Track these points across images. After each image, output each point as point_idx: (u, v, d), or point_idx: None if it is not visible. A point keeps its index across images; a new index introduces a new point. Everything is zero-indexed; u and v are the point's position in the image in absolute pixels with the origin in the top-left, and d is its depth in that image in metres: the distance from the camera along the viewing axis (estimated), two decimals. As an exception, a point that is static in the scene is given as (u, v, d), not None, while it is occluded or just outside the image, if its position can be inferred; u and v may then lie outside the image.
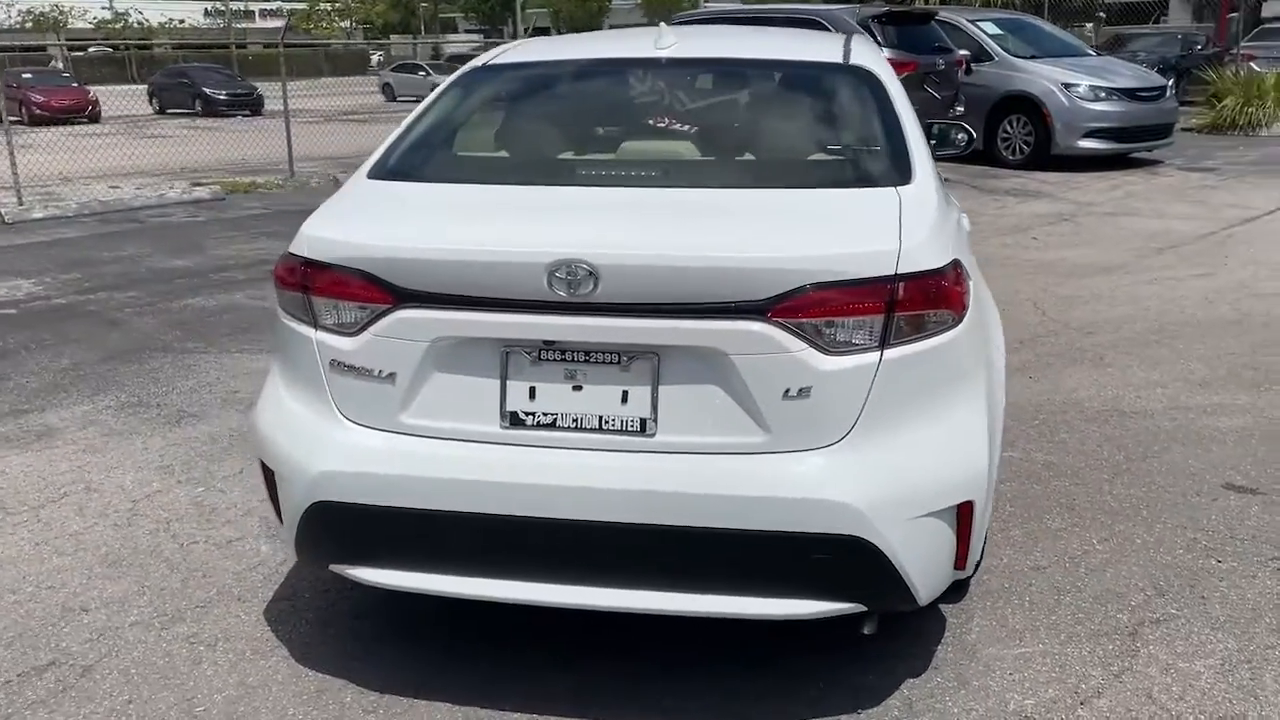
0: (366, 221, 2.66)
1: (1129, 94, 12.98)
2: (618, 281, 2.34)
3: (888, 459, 2.40)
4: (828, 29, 10.49)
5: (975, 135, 4.03)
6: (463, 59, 39.77)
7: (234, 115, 28.38)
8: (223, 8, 64.49)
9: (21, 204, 10.75)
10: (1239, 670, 2.87)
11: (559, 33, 62.92)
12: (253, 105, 29.89)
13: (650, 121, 3.14)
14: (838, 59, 3.28)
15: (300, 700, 2.79)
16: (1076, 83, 12.81)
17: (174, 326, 6.46)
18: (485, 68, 3.41)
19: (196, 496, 4.03)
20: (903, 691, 2.79)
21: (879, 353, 2.38)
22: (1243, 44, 19.27)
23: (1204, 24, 27.04)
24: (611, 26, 65.07)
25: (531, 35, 64.22)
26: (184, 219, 10.73)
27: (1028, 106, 12.78)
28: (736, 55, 3.46)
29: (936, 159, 3.11)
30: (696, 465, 2.41)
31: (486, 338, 2.46)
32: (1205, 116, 16.84)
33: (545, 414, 2.47)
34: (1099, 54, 15.62)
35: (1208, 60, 19.19)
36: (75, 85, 28.89)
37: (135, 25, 59.56)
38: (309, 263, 2.59)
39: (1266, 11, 26.41)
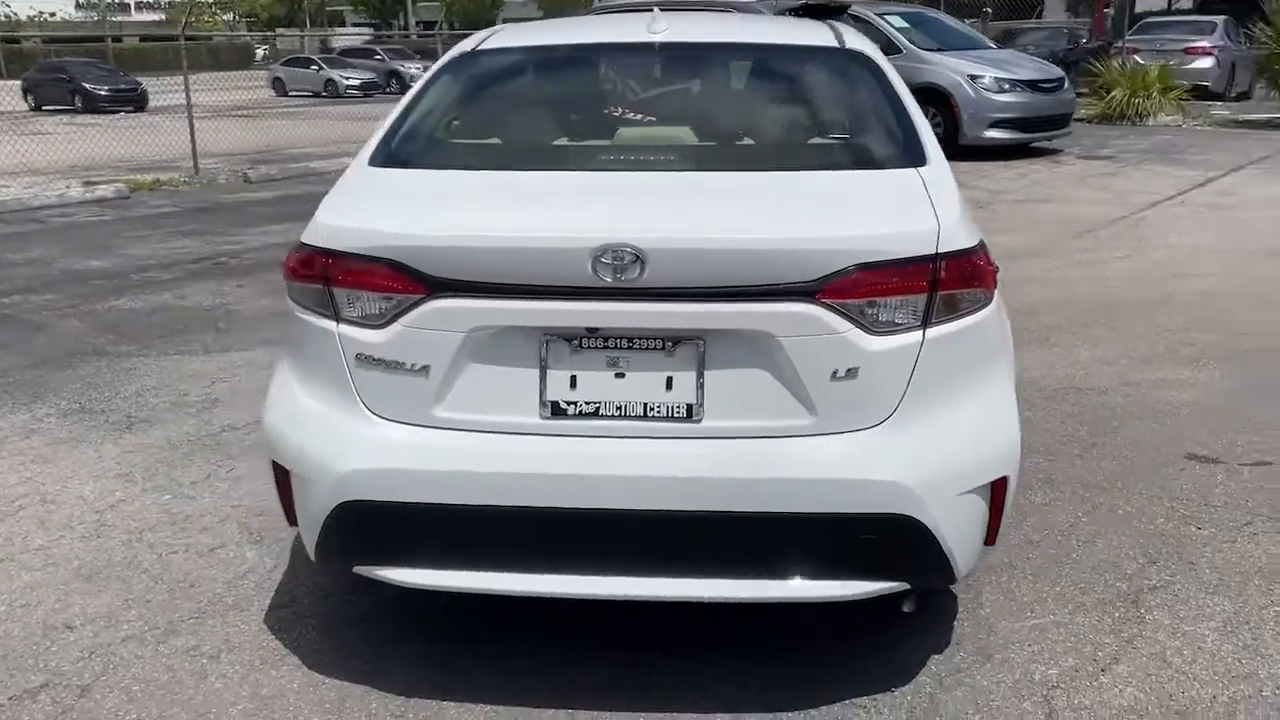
0: (391, 210, 2.56)
1: (1031, 85, 13.42)
2: (664, 266, 2.30)
3: (931, 437, 2.42)
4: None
5: None
6: (356, 53, 39.16)
7: (117, 112, 27.25)
8: (96, 0, 61.87)
9: (-93, 205, 10.15)
10: (1240, 631, 2.99)
11: (450, 27, 62.05)
12: (137, 101, 28.76)
13: (659, 106, 3.10)
14: (833, 43, 3.30)
15: (322, 709, 2.69)
16: (982, 74, 13.19)
17: (103, 330, 6.16)
18: (475, 53, 3.32)
19: (165, 504, 3.85)
20: (930, 668, 2.82)
21: (921, 332, 2.40)
22: (1127, 37, 20.09)
23: (1080, 18, 28.11)
24: (506, 20, 64.50)
25: (420, 29, 63.24)
26: (89, 219, 10.25)
27: (936, 98, 13.09)
28: (733, 40, 3.45)
29: None
30: (744, 450, 2.39)
31: (525, 326, 2.40)
32: (1096, 107, 17.52)
33: (588, 403, 2.42)
34: (999, 47, 16.10)
35: (1092, 53, 19.95)
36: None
37: (1, 19, 56.73)
38: (330, 253, 2.48)
39: (1140, 5, 27.57)
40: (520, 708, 2.68)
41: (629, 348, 2.40)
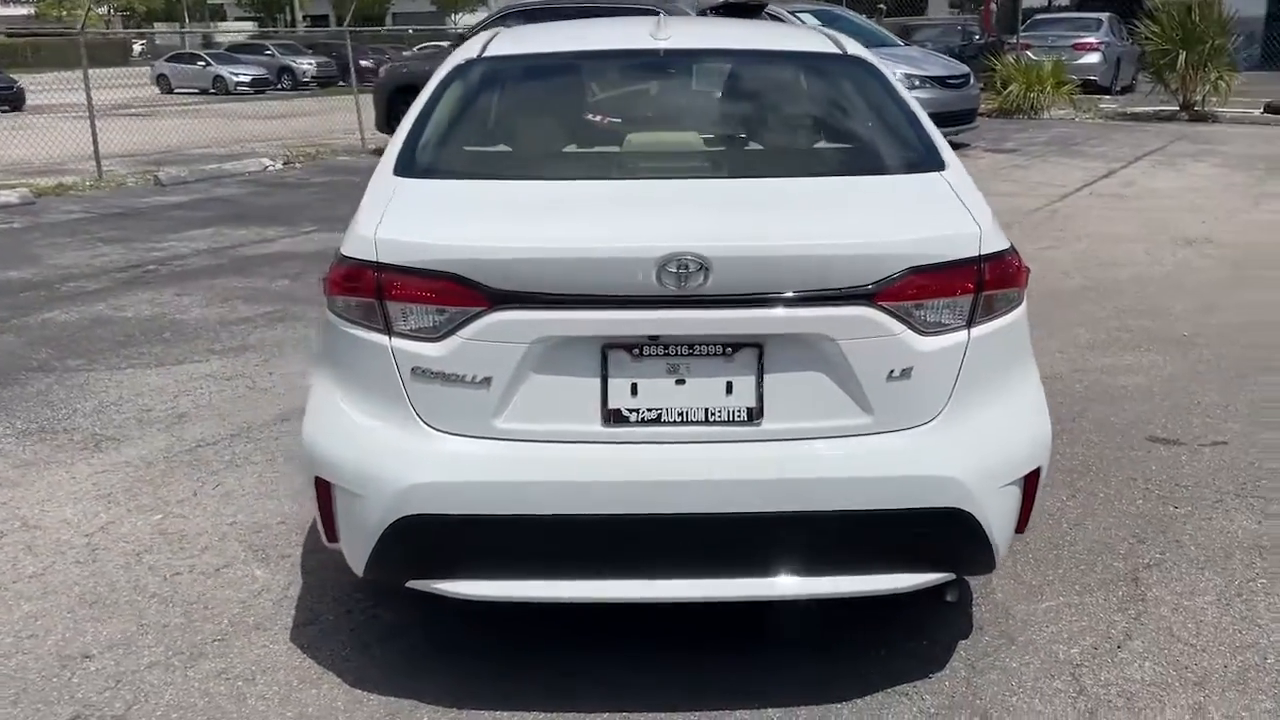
0: (446, 222, 2.55)
1: (939, 81, 13.83)
2: (728, 273, 2.35)
3: (977, 433, 2.53)
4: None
5: None
6: (245, 48, 38.00)
7: (-10, 112, 25.94)
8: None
9: None
10: (1235, 604, 3.18)
11: (339, 22, 60.68)
12: (13, 100, 27.40)
13: (681, 113, 3.15)
14: (834, 50, 3.39)
15: (374, 726, 2.67)
16: (894, 71, 13.50)
17: (42, 344, 5.92)
18: (483, 59, 3.31)
19: (157, 525, 3.74)
20: (960, 653, 2.94)
21: (967, 332, 2.50)
22: (1020, 33, 20.83)
23: (966, 14, 28.99)
24: (394, 15, 63.23)
25: (307, 24, 61.59)
26: (-4, 227, 9.80)
27: (850, 94, 13.34)
28: (738, 47, 3.50)
29: None
30: (805, 451, 2.46)
31: (586, 336, 2.42)
32: (993, 101, 18.13)
33: (649, 410, 2.46)
34: (906, 44, 16.54)
35: (984, 49, 20.64)
36: None
37: None
38: (384, 267, 2.46)
39: (1027, 2, 28.57)
40: (575, 713, 2.70)
41: (689, 354, 2.44)
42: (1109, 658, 2.92)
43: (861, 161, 2.99)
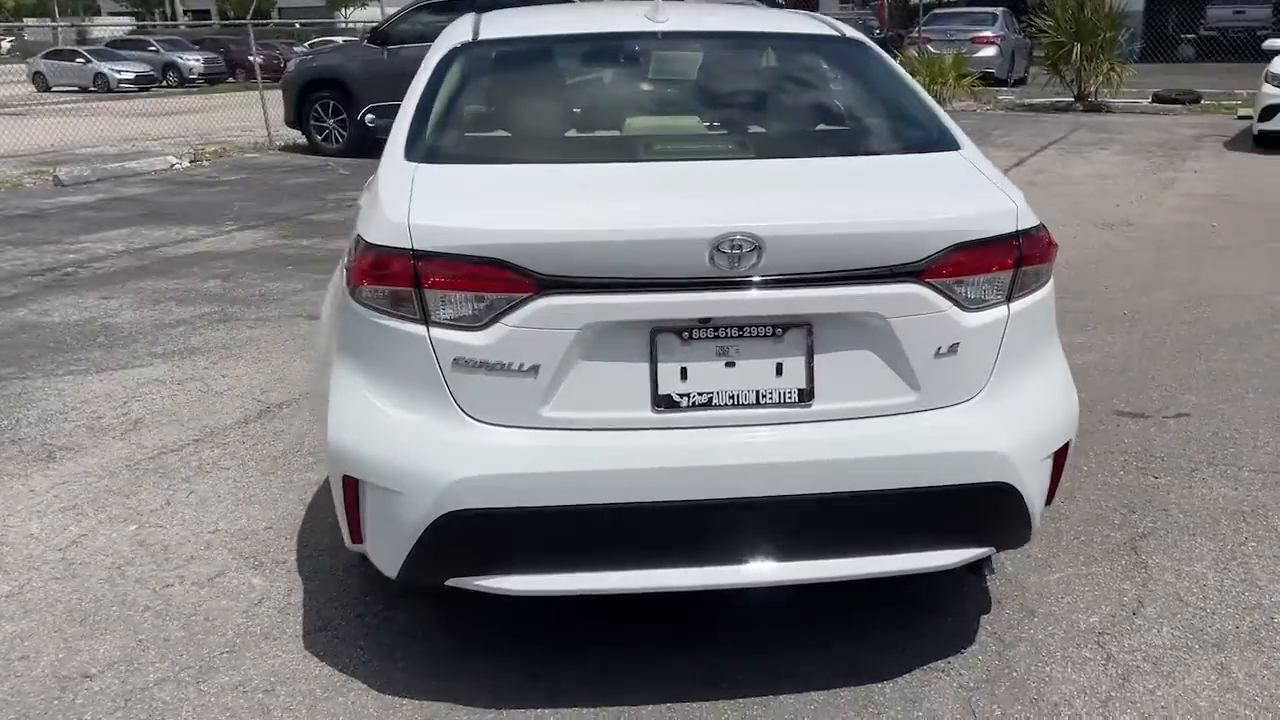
0: (484, 206, 2.46)
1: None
2: (781, 253, 2.33)
3: (1018, 408, 2.55)
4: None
5: None
6: (127, 44, 36.55)
7: None
8: None
9: None
10: (1232, 567, 3.29)
11: (223, 16, 58.78)
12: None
13: (693, 95, 3.10)
14: (834, 32, 3.39)
15: (413, 731, 2.57)
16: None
17: (-34, 352, 5.58)
18: (480, 42, 3.22)
19: (134, 535, 3.54)
20: (986, 628, 2.97)
21: (1006, 307, 2.52)
22: (921, 27, 21.32)
23: (858, 10, 29.55)
24: (280, 9, 61.44)
25: (191, 18, 59.47)
26: (-114, 230, 9.19)
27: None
28: (737, 29, 3.47)
29: None
30: (855, 430, 2.45)
31: (636, 320, 2.37)
32: (898, 93, 18.48)
33: (700, 394, 2.41)
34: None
35: (882, 44, 21.04)
36: None
37: None
38: (421, 254, 2.36)
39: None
40: (619, 706, 2.65)
41: (739, 336, 2.41)
42: (1127, 625, 2.98)
43: (882, 141, 3.00)
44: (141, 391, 4.92)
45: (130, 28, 46.68)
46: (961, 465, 2.46)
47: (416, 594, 3.09)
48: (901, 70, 3.23)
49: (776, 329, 2.41)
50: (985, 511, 2.54)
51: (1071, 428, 2.71)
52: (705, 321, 2.39)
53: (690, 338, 2.40)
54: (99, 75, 32.77)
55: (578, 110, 3.17)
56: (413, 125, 2.86)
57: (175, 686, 2.74)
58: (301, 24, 45.44)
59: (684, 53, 3.25)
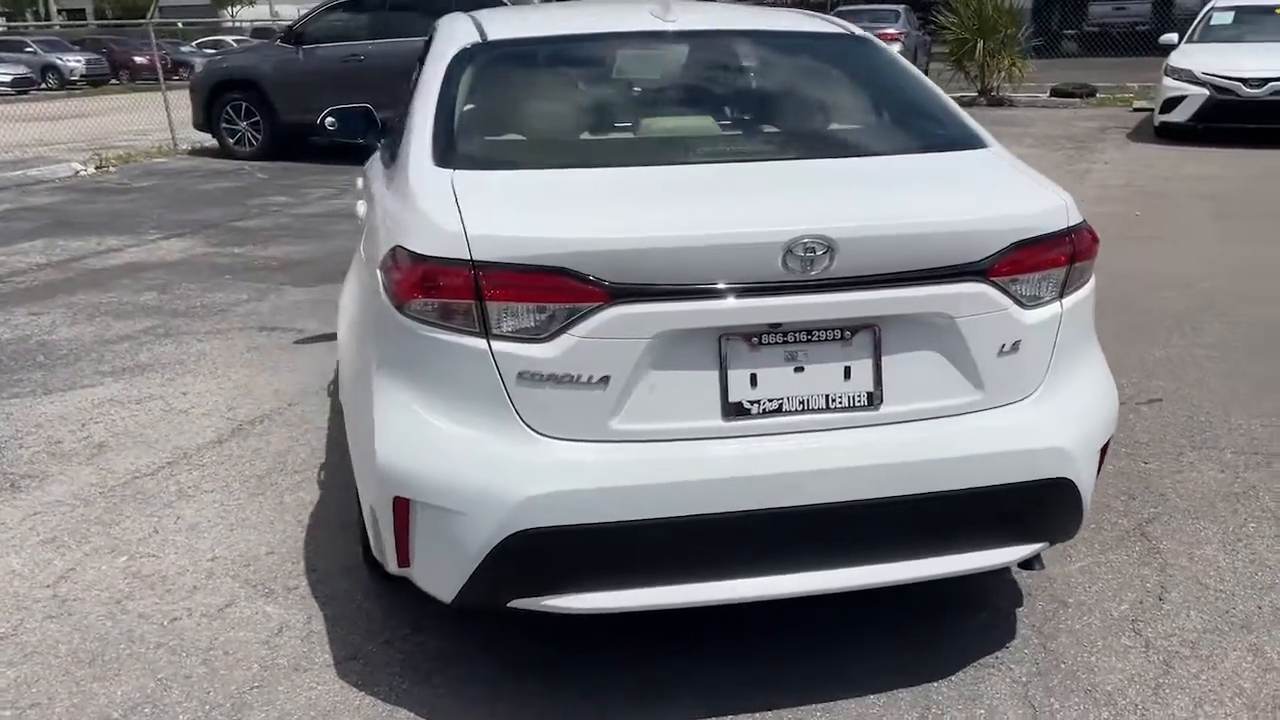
0: (544, 214, 2.37)
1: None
2: (852, 254, 2.30)
3: (1072, 403, 2.58)
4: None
5: None
6: (1, 45, 34.72)
7: None
8: None
9: None
10: (1238, 549, 3.39)
11: (99, 16, 56.48)
12: None
13: (717, 95, 3.06)
14: (842, 30, 3.38)
15: (475, 760, 2.48)
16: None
17: (-106, 376, 5.21)
18: (490, 44, 3.11)
19: (125, 567, 3.35)
20: (1023, 620, 3.00)
21: (1059, 303, 2.54)
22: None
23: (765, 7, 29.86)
24: (161, 8, 59.30)
25: (65, 18, 57.12)
26: None
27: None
28: (749, 27, 3.43)
29: None
30: (923, 432, 2.44)
31: (706, 327, 2.31)
32: (808, 89, 18.73)
33: (770, 400, 2.37)
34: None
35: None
36: None
37: None
38: (482, 265, 2.26)
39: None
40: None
41: (807, 340, 2.38)
42: (1156, 611, 3.04)
43: (918, 140, 2.99)
44: (98, 413, 4.66)
45: (1, 29, 44.52)
46: (1026, 462, 2.47)
47: (441, 616, 2.99)
48: (914, 68, 3.24)
49: (845, 332, 2.38)
50: (1046, 507, 2.55)
51: (1114, 422, 2.75)
52: (775, 326, 2.35)
53: (760, 343, 2.36)
54: (-9, 80, 31.14)
55: (609, 113, 3.10)
56: (437, 130, 2.75)
57: (210, 727, 2.59)
58: (184, 23, 43.91)
59: (703, 52, 3.21)
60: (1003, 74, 17.89)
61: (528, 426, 2.32)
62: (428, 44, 3.80)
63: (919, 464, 2.41)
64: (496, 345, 2.30)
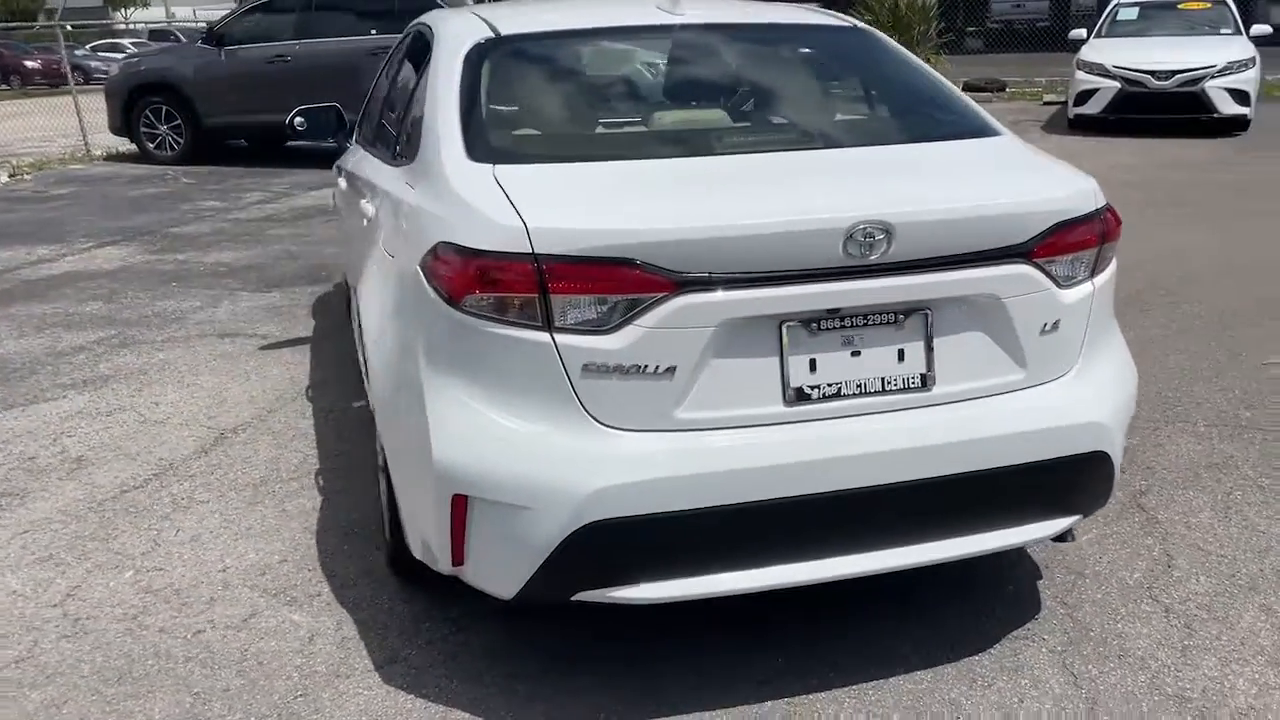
0: (604, 206, 2.36)
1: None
2: (908, 239, 2.35)
3: (1105, 379, 2.68)
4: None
5: None
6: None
7: None
8: None
9: None
10: (1231, 516, 3.54)
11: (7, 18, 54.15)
12: None
13: (737, 87, 3.08)
14: (846, 23, 3.44)
15: (541, 756, 2.46)
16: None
17: None
18: (506, 38, 3.09)
19: (133, 581, 3.24)
20: (1047, 592, 3.09)
21: (1091, 283, 2.63)
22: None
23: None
24: (48, 10, 57.10)
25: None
26: None
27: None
28: (759, 21, 3.45)
29: None
30: (974, 411, 2.50)
31: (767, 314, 2.34)
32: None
33: (829, 385, 2.41)
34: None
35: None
36: None
37: None
38: (545, 258, 2.25)
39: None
40: (737, 707, 2.61)
41: (864, 325, 2.42)
42: (1167, 577, 3.17)
43: (943, 127, 3.04)
44: (69, 426, 4.49)
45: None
46: (1068, 437, 2.55)
47: (479, 615, 2.97)
48: (917, 59, 3.32)
49: (899, 315, 2.43)
50: (1084, 480, 2.64)
51: (1135, 396, 2.85)
52: (834, 312, 2.38)
53: (819, 329, 2.39)
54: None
55: (639, 106, 3.10)
56: (465, 125, 2.72)
57: (261, 739, 2.53)
58: (74, 25, 42.38)
59: (718, 45, 3.23)
60: (918, 70, 18.29)
61: (593, 418, 2.32)
62: (415, 41, 3.76)
63: (971, 442, 2.47)
64: (560, 338, 2.29)
